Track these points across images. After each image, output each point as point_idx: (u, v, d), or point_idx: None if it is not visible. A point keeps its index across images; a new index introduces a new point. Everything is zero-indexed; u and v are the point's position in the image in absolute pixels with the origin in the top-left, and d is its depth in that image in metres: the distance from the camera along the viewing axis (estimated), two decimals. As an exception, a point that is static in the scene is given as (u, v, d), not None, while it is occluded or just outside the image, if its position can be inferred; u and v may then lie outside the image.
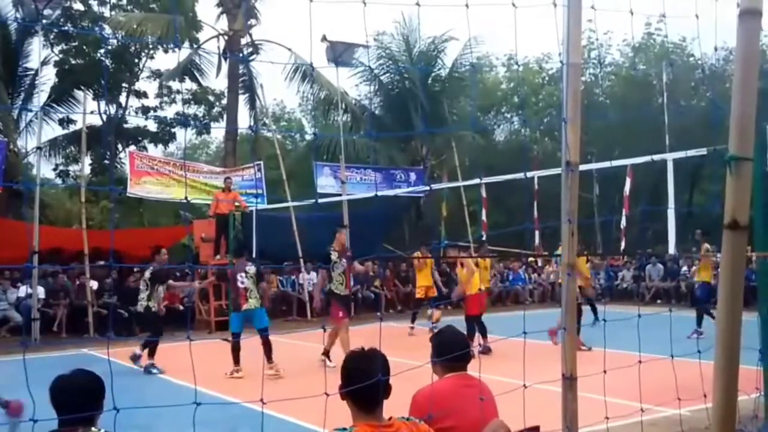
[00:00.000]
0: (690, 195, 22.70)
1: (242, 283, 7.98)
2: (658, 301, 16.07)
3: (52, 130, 20.00)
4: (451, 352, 2.93)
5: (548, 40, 31.51)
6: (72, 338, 11.55)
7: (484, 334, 9.16)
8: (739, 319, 2.00)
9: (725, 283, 2.01)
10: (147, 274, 8.56)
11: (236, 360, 7.91)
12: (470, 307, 9.28)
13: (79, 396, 2.38)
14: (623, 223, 15.39)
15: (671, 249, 8.35)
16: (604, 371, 3.31)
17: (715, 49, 21.83)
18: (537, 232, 15.16)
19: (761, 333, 5.18)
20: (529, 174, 13.07)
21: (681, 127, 19.43)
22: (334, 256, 8.43)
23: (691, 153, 7.17)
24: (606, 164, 9.67)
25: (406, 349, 7.72)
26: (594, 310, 10.93)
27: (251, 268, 8.13)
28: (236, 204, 13.39)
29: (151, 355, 8.29)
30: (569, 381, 2.82)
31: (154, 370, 8.18)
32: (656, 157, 7.78)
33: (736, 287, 2.00)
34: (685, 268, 16.61)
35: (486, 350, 8.82)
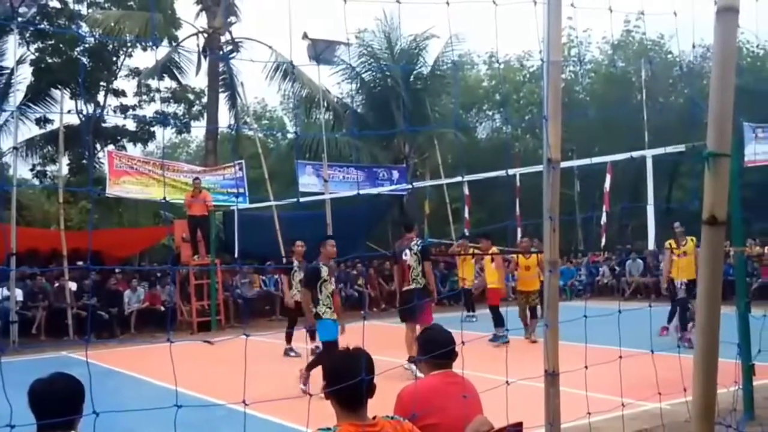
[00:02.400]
0: (669, 191, 22.98)
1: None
2: (638, 297, 16.26)
3: (28, 130, 19.71)
4: (436, 350, 2.94)
5: (529, 38, 31.75)
6: (51, 341, 11.37)
7: (499, 324, 9.73)
8: (718, 314, 2.03)
9: (704, 277, 2.03)
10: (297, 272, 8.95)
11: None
12: (491, 297, 10.21)
13: (58, 400, 2.34)
14: (603, 219, 15.55)
15: (651, 245, 8.44)
16: (586, 366, 3.33)
17: (693, 47, 22.16)
18: (519, 229, 15.25)
19: (739, 327, 5.27)
20: (511, 171, 13.15)
21: (660, 124, 19.68)
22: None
23: (669, 150, 7.23)
24: (586, 161, 9.75)
25: (390, 348, 7.72)
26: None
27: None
28: (206, 203, 13.29)
29: (288, 341, 9.35)
30: (551, 377, 2.84)
31: (292, 353, 9.21)
32: (635, 153, 7.86)
33: (714, 282, 2.02)
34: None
35: (493, 338, 9.36)
